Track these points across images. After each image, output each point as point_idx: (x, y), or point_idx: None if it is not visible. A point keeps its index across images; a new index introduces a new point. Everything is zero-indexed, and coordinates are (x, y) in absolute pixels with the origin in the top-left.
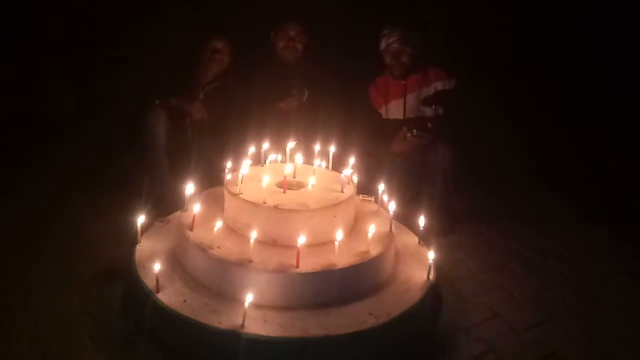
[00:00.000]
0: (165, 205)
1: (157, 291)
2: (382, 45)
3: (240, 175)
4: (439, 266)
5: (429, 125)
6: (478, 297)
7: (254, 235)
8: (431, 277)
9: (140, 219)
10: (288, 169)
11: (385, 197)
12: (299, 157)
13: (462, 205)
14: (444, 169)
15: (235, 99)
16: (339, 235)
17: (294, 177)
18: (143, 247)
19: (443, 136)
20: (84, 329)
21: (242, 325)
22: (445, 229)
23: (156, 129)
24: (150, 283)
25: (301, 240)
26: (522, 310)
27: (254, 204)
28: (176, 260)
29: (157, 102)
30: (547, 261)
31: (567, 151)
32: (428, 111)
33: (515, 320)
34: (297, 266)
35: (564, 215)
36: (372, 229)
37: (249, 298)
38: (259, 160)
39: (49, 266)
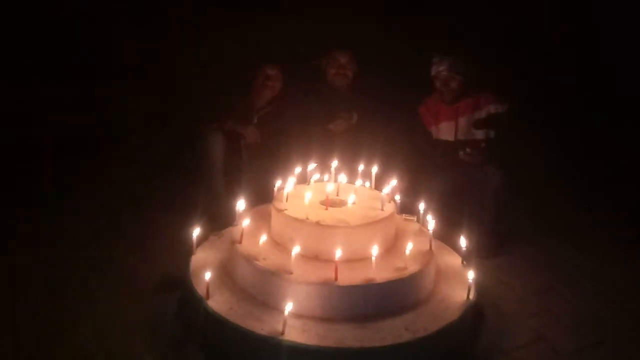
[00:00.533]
0: (221, 220)
1: (207, 298)
2: (433, 72)
3: (285, 193)
4: (484, 287)
5: (482, 145)
6: (522, 320)
7: (296, 249)
8: (471, 296)
9: (196, 232)
10: (330, 187)
11: (429, 218)
12: (343, 177)
13: (505, 223)
14: (494, 191)
15: (287, 122)
16: (376, 250)
17: (337, 196)
18: (198, 257)
19: (493, 158)
20: (141, 331)
21: (282, 333)
22: (492, 251)
23: (214, 150)
24: (201, 290)
25: (338, 253)
26: (567, 334)
27: (297, 220)
28: (226, 271)
29: (215, 125)
30: (596, 284)
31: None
32: (479, 134)
33: (559, 344)
34: (336, 279)
35: (608, 232)
36: (409, 246)
37: (288, 307)
38: (305, 179)
39: (113, 273)
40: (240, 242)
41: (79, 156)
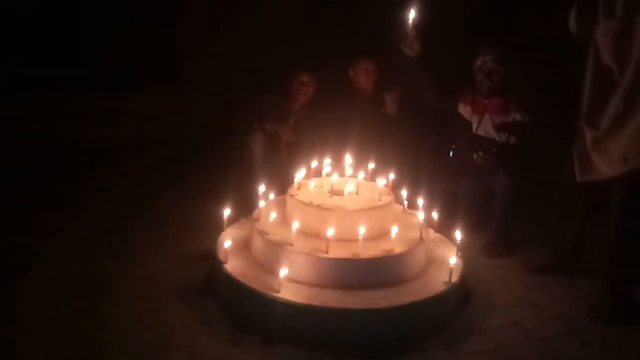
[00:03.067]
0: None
1: (225, 262)
2: (478, 62)
3: (295, 182)
4: (480, 279)
5: (494, 149)
6: (505, 308)
7: (295, 224)
8: (453, 279)
9: (226, 212)
10: (335, 179)
11: (423, 212)
12: (349, 171)
13: (520, 230)
14: (503, 194)
15: (318, 124)
16: (363, 231)
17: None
18: (227, 233)
19: (505, 163)
20: (174, 288)
21: (278, 291)
22: (499, 252)
23: (254, 148)
24: (222, 256)
25: (331, 232)
26: (543, 323)
27: (303, 203)
28: (246, 244)
29: (256, 126)
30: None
31: None
32: (501, 137)
33: (531, 330)
34: (327, 252)
35: None
36: (394, 230)
37: (284, 272)
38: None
39: (163, 246)
40: (258, 220)
41: (143, 153)
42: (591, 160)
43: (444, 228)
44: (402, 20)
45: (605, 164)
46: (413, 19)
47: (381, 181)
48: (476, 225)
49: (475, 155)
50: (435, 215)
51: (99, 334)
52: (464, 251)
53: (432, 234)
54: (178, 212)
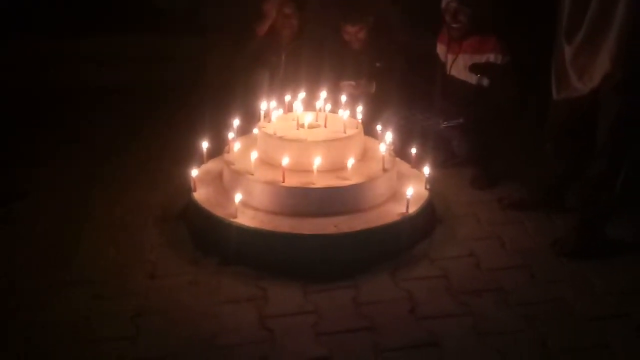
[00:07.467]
0: None
1: (194, 190)
2: (443, 4)
3: (262, 115)
4: (451, 215)
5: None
6: (466, 241)
7: (254, 155)
8: (410, 211)
9: (204, 145)
10: (300, 111)
11: (413, 149)
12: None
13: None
14: (483, 131)
15: (310, 63)
16: (318, 161)
17: (317, 121)
18: (207, 166)
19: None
20: (154, 215)
21: (235, 216)
22: (485, 184)
23: (262, 84)
24: (192, 185)
25: (285, 161)
26: (499, 256)
27: (267, 134)
28: (219, 175)
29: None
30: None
31: None
32: (472, 78)
33: (484, 261)
34: (283, 181)
35: None
36: (350, 162)
37: (238, 197)
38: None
39: (153, 178)
40: (228, 152)
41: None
42: (568, 77)
43: (421, 163)
44: None
45: (581, 80)
46: None
47: (345, 114)
48: (460, 161)
49: (441, 123)
50: (413, 150)
51: (75, 251)
52: (437, 186)
53: (407, 169)
54: (172, 149)
